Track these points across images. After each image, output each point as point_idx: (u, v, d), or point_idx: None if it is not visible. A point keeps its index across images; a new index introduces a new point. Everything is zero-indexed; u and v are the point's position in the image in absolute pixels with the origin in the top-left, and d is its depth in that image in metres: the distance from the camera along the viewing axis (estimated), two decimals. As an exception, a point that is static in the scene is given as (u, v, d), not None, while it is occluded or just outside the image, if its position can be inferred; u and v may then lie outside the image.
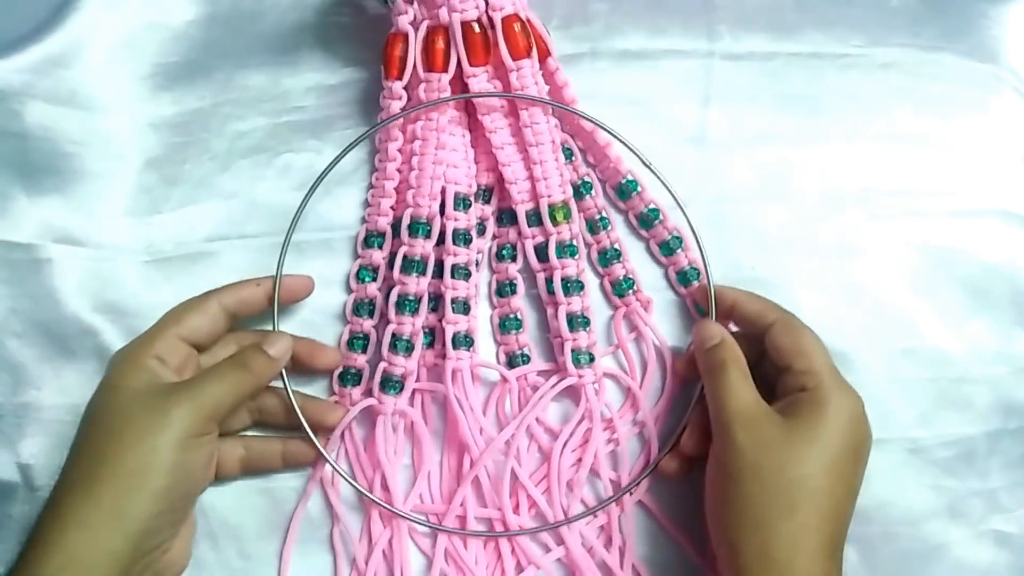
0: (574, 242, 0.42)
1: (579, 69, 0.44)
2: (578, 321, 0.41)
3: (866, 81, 0.45)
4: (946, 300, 0.42)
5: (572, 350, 0.40)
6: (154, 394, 0.35)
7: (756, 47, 0.45)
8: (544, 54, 0.42)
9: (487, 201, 0.43)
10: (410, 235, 0.41)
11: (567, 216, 0.42)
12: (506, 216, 0.43)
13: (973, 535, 0.41)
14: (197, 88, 0.45)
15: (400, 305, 0.40)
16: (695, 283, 0.42)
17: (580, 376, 0.40)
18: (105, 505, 0.32)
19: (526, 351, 0.42)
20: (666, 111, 0.44)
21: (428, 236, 0.41)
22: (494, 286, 0.43)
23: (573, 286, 0.41)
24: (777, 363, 0.37)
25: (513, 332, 0.42)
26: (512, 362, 0.42)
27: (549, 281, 0.41)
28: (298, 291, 0.41)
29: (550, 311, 0.42)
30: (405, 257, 0.41)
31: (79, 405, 0.40)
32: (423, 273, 0.41)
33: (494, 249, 0.43)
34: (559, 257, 0.41)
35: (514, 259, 0.43)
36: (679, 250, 0.42)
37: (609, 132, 0.41)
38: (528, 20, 0.41)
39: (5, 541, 0.40)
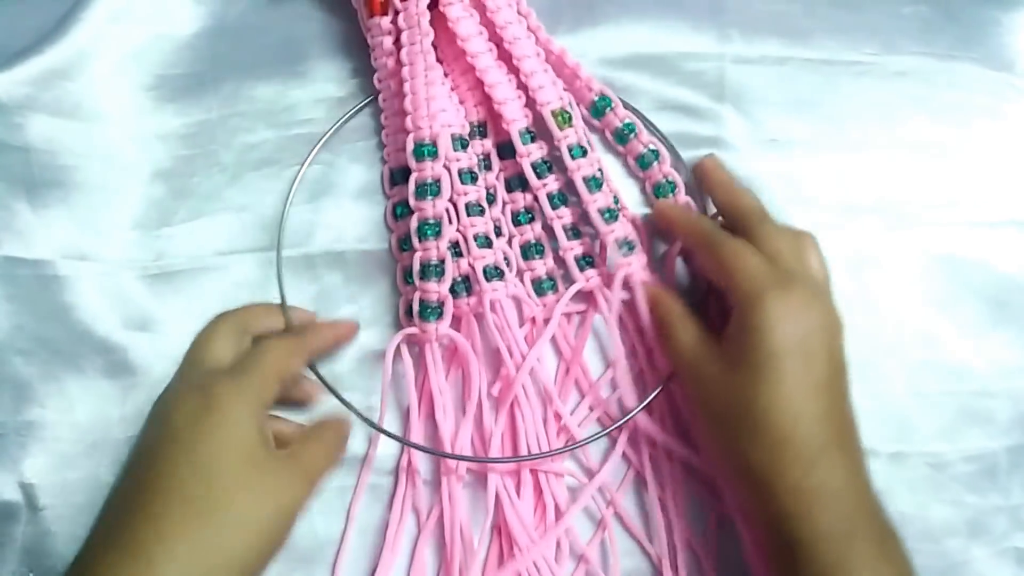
0: (581, 144, 0.42)
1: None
2: (606, 217, 0.41)
3: (880, 89, 0.45)
4: (965, 312, 0.42)
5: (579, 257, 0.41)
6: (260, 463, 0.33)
7: (768, 51, 0.45)
8: None
9: (484, 136, 0.43)
10: (416, 160, 0.40)
11: (569, 120, 0.42)
12: (506, 148, 0.43)
13: (995, 552, 0.40)
14: (204, 100, 0.44)
15: (421, 231, 0.40)
16: (672, 196, 0.42)
17: (588, 279, 0.41)
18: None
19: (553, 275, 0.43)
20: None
21: (435, 157, 0.40)
22: (517, 250, 0.42)
23: (592, 184, 0.41)
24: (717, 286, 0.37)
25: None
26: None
27: (551, 196, 0.42)
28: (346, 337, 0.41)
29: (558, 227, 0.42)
30: (417, 182, 0.40)
31: (84, 423, 0.40)
32: (437, 195, 0.40)
33: (509, 215, 0.43)
34: (574, 158, 0.41)
35: (532, 220, 0.43)
36: (655, 163, 0.43)
37: None
38: None
39: (7, 563, 0.39)
